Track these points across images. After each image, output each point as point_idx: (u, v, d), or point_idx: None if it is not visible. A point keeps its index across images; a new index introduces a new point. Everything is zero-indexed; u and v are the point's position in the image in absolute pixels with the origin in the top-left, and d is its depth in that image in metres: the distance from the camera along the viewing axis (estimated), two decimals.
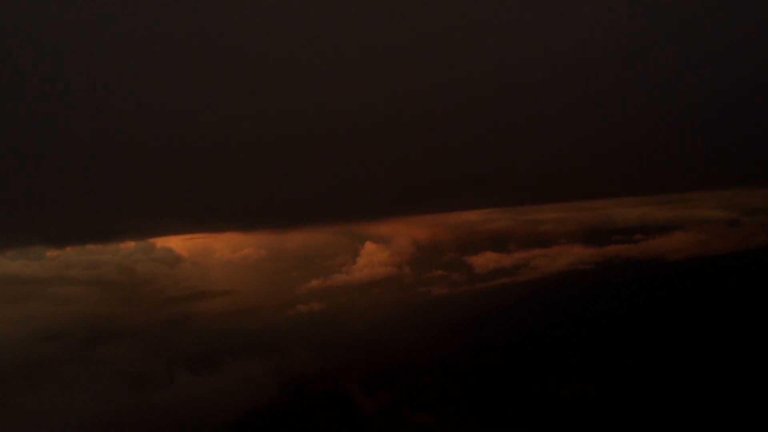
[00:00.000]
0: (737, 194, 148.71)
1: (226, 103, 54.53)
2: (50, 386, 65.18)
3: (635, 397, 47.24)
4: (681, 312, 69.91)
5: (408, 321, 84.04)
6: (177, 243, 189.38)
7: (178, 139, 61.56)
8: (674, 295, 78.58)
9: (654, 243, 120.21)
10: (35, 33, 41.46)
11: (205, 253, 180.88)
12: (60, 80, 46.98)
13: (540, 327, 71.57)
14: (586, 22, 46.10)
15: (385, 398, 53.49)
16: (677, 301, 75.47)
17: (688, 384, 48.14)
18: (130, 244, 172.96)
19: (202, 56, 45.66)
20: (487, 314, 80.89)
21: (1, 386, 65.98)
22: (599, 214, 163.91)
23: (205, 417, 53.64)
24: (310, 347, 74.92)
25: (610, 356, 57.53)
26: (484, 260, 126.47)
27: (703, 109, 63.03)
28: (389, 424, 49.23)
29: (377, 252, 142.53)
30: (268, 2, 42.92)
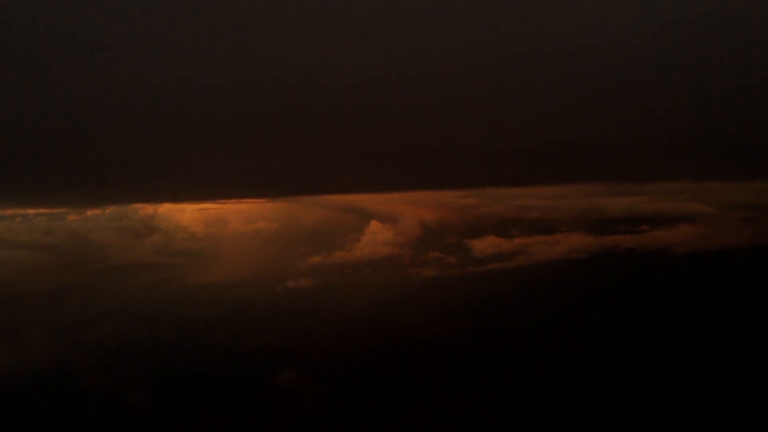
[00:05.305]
0: (724, 187, 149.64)
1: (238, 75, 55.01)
2: None
3: (625, 385, 47.69)
4: (665, 305, 70.53)
5: (385, 301, 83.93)
6: (191, 213, 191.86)
7: (190, 110, 62.21)
8: (658, 288, 79.08)
9: (644, 235, 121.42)
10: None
11: (198, 224, 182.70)
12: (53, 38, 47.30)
13: (522, 314, 71.94)
14: (586, 14, 46.22)
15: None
16: (662, 293, 75.94)
17: (677, 375, 48.64)
18: (97, 211, 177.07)
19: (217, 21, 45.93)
20: (474, 299, 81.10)
21: None
22: (592, 202, 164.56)
23: None
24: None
25: (593, 346, 57.75)
26: (483, 245, 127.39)
27: (700, 102, 63.30)
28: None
29: (382, 231, 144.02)
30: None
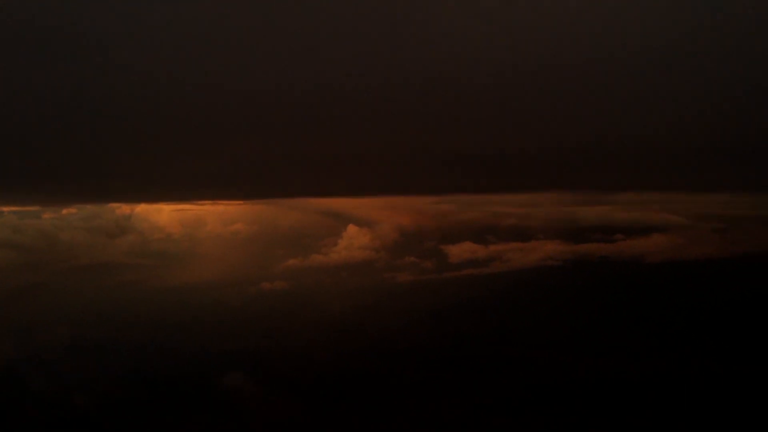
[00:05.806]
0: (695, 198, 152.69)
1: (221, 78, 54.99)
2: None
3: (598, 392, 48.28)
4: (639, 313, 71.89)
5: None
6: (168, 213, 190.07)
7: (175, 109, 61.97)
8: (632, 296, 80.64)
9: (618, 243, 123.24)
10: None
11: (175, 225, 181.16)
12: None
13: (498, 320, 72.69)
14: (561, 26, 46.97)
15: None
16: (635, 301, 77.33)
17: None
18: (73, 210, 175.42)
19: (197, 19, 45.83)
20: (450, 304, 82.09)
21: None
22: (566, 210, 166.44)
23: None
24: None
25: (568, 352, 58.60)
26: (459, 250, 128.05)
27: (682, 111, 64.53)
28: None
29: (359, 235, 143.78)
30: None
